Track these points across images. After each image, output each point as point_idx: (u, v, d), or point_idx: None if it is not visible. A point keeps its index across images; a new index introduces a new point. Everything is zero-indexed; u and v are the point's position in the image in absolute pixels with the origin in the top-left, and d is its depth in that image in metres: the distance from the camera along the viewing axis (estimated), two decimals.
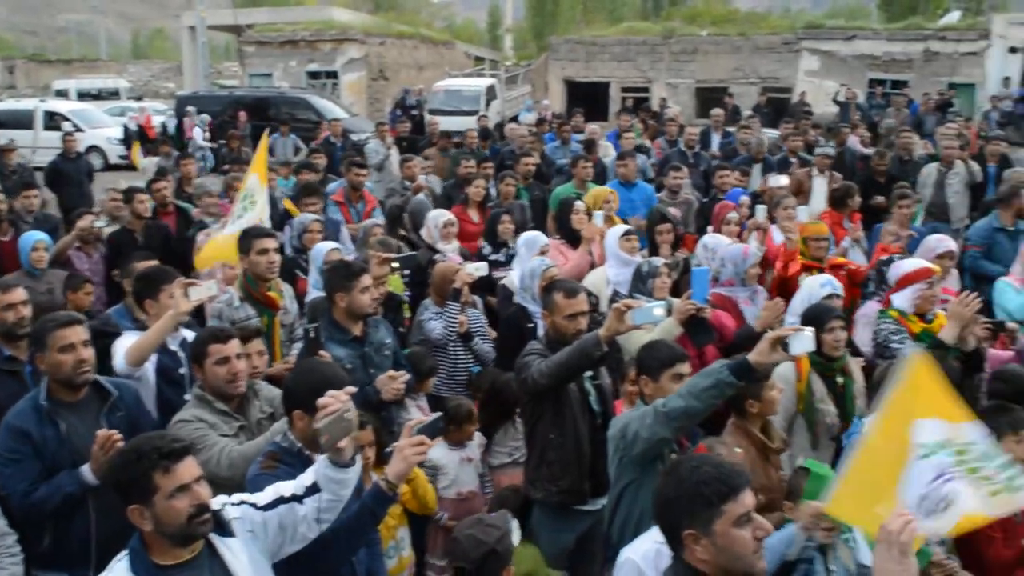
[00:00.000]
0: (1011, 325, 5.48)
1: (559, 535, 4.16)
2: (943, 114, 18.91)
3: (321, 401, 2.63)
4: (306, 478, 2.70)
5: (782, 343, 3.17)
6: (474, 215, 7.94)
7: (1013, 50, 24.27)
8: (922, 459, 2.79)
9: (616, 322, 3.71)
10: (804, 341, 3.24)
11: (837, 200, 7.71)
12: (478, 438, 4.84)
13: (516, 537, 3.08)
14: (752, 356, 3.19)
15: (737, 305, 5.46)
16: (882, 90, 22.91)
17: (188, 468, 2.48)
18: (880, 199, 8.51)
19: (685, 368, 3.69)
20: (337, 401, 2.62)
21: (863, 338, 5.27)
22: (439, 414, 3.21)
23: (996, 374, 4.48)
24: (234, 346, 3.67)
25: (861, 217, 7.81)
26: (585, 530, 4.20)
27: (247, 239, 5.01)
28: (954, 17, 27.86)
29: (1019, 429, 3.70)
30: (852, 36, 25.77)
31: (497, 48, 43.78)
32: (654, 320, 3.86)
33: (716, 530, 2.24)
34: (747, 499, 2.28)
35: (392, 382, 4.19)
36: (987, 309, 6.06)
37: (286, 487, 2.70)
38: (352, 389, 2.75)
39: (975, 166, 9.42)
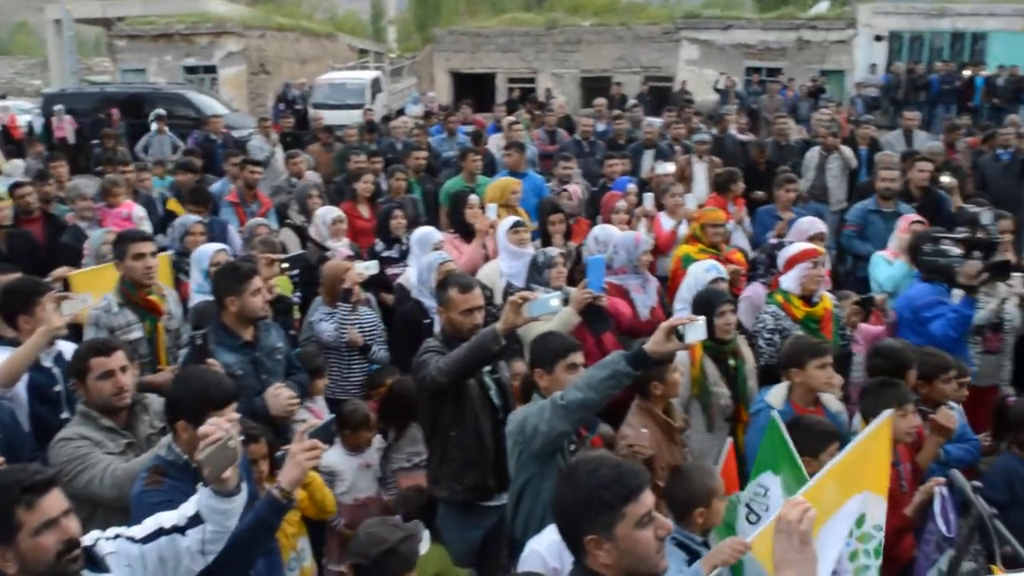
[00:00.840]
0: (879, 298, 5.72)
1: (466, 533, 4.12)
2: (816, 100, 19.69)
3: (203, 430, 2.49)
4: (188, 508, 2.55)
5: (676, 332, 3.20)
6: (364, 211, 7.79)
7: (878, 38, 25.47)
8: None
9: (513, 315, 3.69)
10: (697, 329, 3.29)
11: (721, 185, 7.91)
12: (377, 442, 4.74)
13: (424, 545, 3.00)
14: (648, 346, 3.22)
15: (628, 293, 5.51)
16: (759, 77, 23.68)
17: (54, 501, 2.29)
18: (760, 193, 8.76)
19: (578, 358, 3.71)
20: (219, 429, 2.48)
21: (746, 321, 5.40)
22: (331, 417, 3.13)
23: (875, 350, 4.61)
24: (119, 358, 3.48)
25: (744, 202, 8.05)
26: (491, 526, 4.17)
27: (122, 243, 4.78)
28: (823, 7, 28.99)
29: (904, 404, 3.85)
30: (729, 26, 26.52)
31: (381, 40, 43.23)
32: (551, 311, 3.85)
33: (618, 533, 2.18)
34: (647, 499, 2.23)
35: (282, 398, 4.06)
36: (863, 286, 6.36)
37: (167, 517, 2.55)
38: (235, 416, 2.62)
39: (848, 151, 9.81)
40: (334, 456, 4.51)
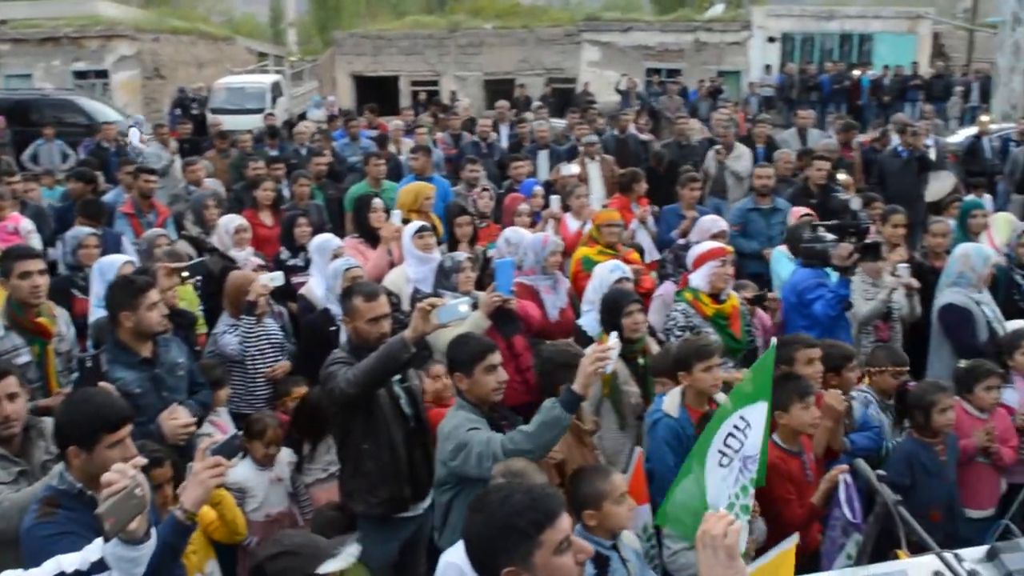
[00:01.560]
0: (771, 295, 5.92)
1: (383, 546, 4.02)
2: (715, 100, 20.20)
3: (106, 477, 2.33)
4: (91, 552, 2.39)
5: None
6: (266, 219, 7.61)
7: (771, 40, 26.31)
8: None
9: (422, 322, 3.65)
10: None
11: (624, 185, 8.00)
12: (287, 455, 4.61)
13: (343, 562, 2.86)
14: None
15: (539, 294, 5.52)
16: (659, 78, 24.16)
17: None
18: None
19: (496, 358, 3.68)
20: (124, 476, 2.31)
21: (657, 320, 5.48)
22: (235, 432, 3.03)
23: (780, 342, 4.73)
24: (7, 385, 3.30)
25: (648, 201, 8.17)
26: (409, 537, 4.11)
27: (7, 261, 4.53)
28: (718, 9, 29.79)
29: (805, 396, 3.96)
30: (628, 28, 26.99)
31: (281, 43, 42.37)
32: (460, 317, 3.83)
33: (536, 563, 2.08)
34: (564, 523, 2.14)
35: (176, 422, 3.92)
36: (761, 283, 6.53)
37: (68, 561, 2.39)
38: (141, 461, 2.48)
39: (743, 148, 10.09)
40: (243, 471, 4.38)
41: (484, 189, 7.77)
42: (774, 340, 3.65)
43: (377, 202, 6.73)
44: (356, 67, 28.45)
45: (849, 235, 5.44)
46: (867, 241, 5.44)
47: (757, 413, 3.30)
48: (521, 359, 4.96)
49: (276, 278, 5.47)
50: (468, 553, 2.22)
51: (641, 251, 6.97)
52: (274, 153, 11.13)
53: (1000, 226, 7.15)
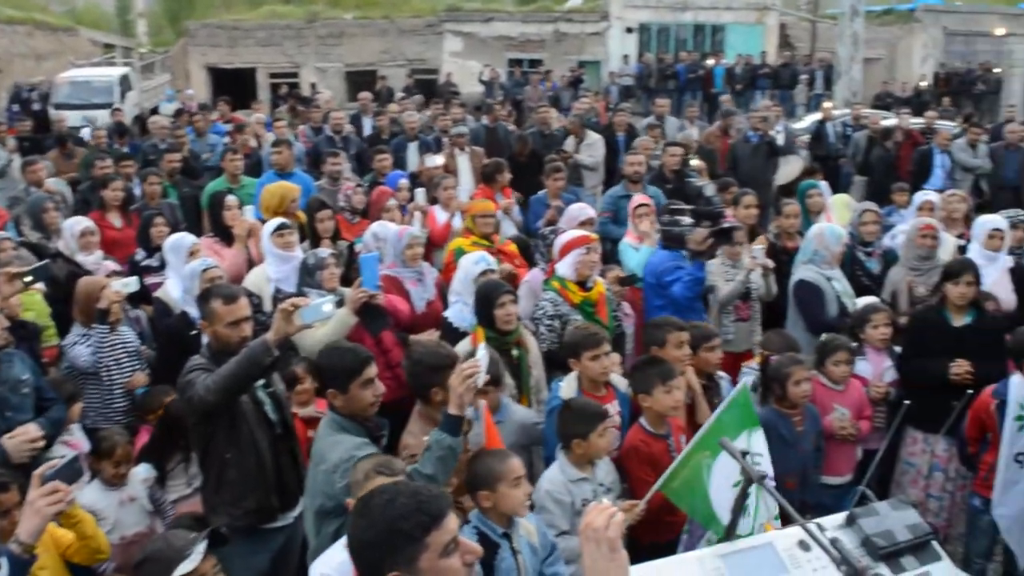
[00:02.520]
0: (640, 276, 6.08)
1: (252, 559, 3.85)
2: (576, 90, 20.52)
3: None
4: None
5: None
6: (116, 220, 7.21)
7: (629, 30, 26.96)
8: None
9: (285, 323, 3.50)
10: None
11: (488, 176, 8.01)
12: (142, 472, 4.34)
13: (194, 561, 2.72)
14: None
15: (403, 286, 5.46)
16: (521, 69, 24.32)
17: None
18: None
19: (372, 371, 3.51)
20: None
21: (526, 307, 5.47)
22: (73, 454, 2.82)
23: (647, 323, 4.85)
24: None
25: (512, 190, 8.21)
26: (279, 548, 3.96)
27: None
28: (578, 0, 30.26)
29: (668, 380, 4.05)
30: (490, 18, 27.07)
31: (129, 34, 40.32)
32: (325, 316, 3.71)
33: (423, 566, 2.03)
34: (451, 524, 2.09)
35: (19, 442, 3.65)
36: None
37: None
38: None
39: (595, 136, 10.32)
40: (91, 494, 4.08)
41: (359, 185, 7.61)
42: (745, 380, 3.66)
43: (231, 199, 6.47)
44: (211, 59, 27.41)
45: (705, 219, 5.62)
46: (721, 226, 5.62)
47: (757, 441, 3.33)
48: (391, 355, 4.88)
49: (130, 283, 5.18)
50: (353, 558, 2.15)
51: None
52: (123, 150, 10.59)
53: (838, 208, 7.56)
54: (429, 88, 23.30)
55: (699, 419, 4.43)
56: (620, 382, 4.48)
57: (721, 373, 4.90)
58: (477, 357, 3.29)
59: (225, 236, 6.28)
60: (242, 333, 3.79)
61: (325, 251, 5.33)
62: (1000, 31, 27.91)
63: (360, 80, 24.75)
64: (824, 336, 5.07)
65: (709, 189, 6.09)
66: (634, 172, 7.84)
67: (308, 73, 26.62)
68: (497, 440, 3.53)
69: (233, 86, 23.99)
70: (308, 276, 5.11)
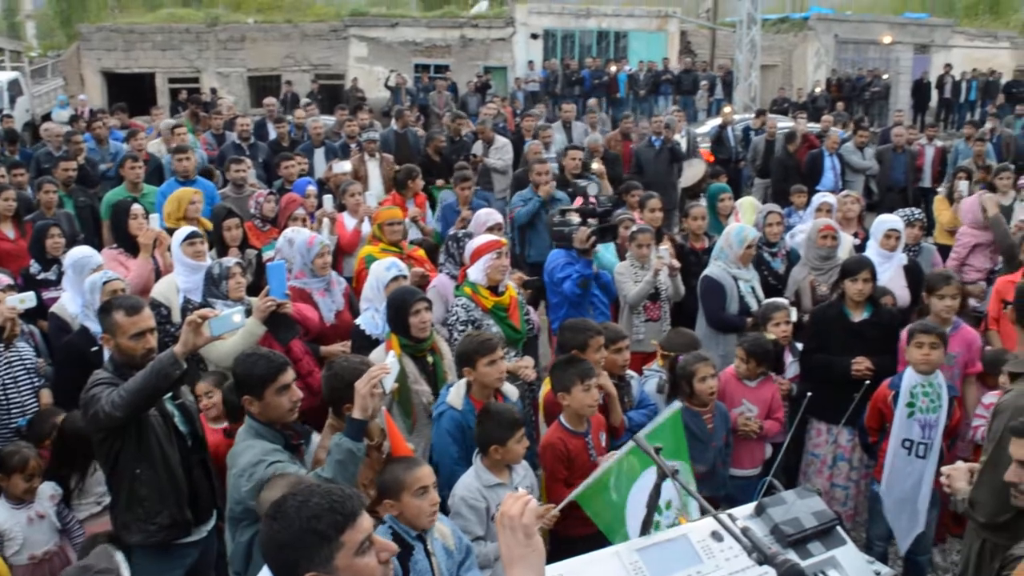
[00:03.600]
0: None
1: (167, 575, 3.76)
2: (483, 95, 20.57)
3: None
4: None
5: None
6: (8, 231, 6.90)
7: (534, 36, 27.17)
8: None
9: (192, 336, 3.41)
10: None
11: (399, 183, 7.98)
12: (48, 489, 4.18)
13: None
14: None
15: (311, 296, 5.38)
16: (427, 75, 24.26)
17: None
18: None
19: (288, 377, 3.46)
20: None
21: (435, 312, 5.45)
22: None
23: (563, 325, 4.91)
24: None
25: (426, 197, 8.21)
26: (194, 563, 3.86)
27: None
28: (483, 6, 30.34)
29: (586, 379, 4.10)
30: (395, 24, 26.88)
31: (18, 37, 38.68)
32: (234, 327, 3.63)
33: (338, 565, 2.02)
34: (365, 523, 2.09)
35: None
36: (535, 270, 6.74)
37: None
38: None
39: (502, 140, 10.41)
40: None
41: (271, 193, 7.46)
42: (677, 404, 3.71)
43: (137, 208, 6.27)
44: (106, 63, 26.43)
45: (591, 219, 5.73)
46: (602, 225, 5.76)
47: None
48: (300, 364, 4.78)
49: (27, 299, 4.94)
50: (267, 561, 2.13)
51: None
52: (15, 158, 10.13)
53: (746, 209, 7.79)
54: (335, 93, 23.04)
55: (612, 420, 4.51)
56: (511, 391, 4.48)
57: (631, 373, 4.99)
58: (386, 362, 3.27)
59: (130, 247, 6.06)
60: (147, 345, 3.68)
61: (231, 260, 5.20)
62: (887, 39, 29.22)
63: (264, 85, 24.29)
64: (750, 334, 5.20)
65: (592, 188, 6.19)
66: (544, 179, 7.94)
67: (209, 78, 25.94)
68: (404, 448, 3.51)
69: (130, 92, 23.19)
70: (213, 286, 4.99)
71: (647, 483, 3.19)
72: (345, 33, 26.58)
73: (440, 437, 4.20)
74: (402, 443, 3.52)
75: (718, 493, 4.65)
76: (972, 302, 6.79)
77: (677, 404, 3.65)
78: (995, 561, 3.37)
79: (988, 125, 14.14)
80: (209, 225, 6.54)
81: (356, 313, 5.38)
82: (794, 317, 5.25)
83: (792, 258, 6.63)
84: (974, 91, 25.66)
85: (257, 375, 3.40)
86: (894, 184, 11.42)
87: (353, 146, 10.56)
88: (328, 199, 7.18)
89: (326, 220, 7.01)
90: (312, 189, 7.72)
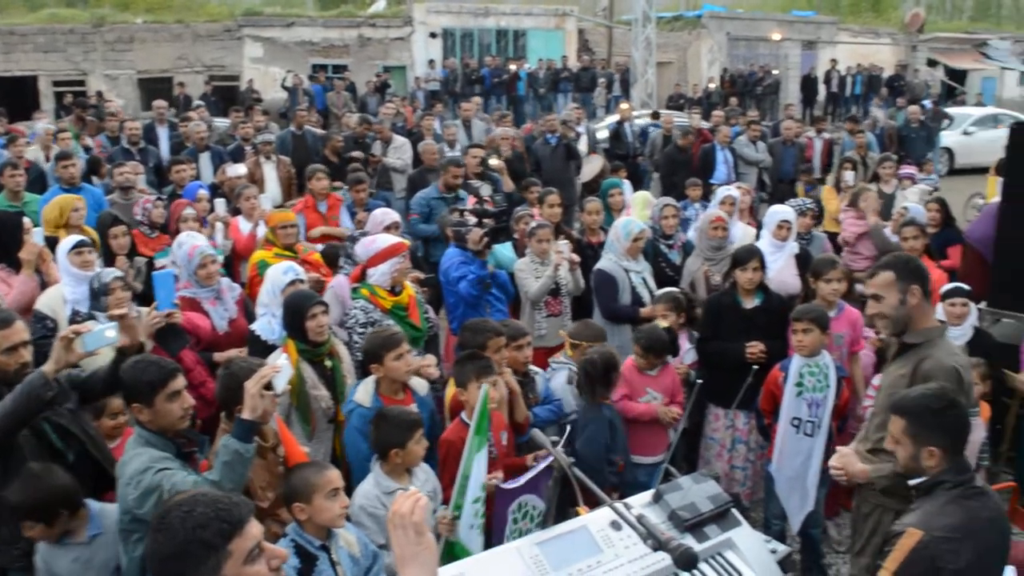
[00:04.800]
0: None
1: None
2: (382, 95, 20.40)
3: None
4: None
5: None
6: None
7: (433, 35, 27.08)
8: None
9: (65, 352, 3.26)
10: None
11: (304, 185, 7.85)
12: None
13: None
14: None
15: (201, 305, 5.22)
16: (325, 75, 23.90)
17: None
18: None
19: (179, 383, 3.34)
20: None
21: (333, 314, 5.36)
22: None
23: (464, 326, 4.90)
24: None
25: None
26: None
27: None
28: (381, 5, 30.06)
29: (483, 376, 4.10)
30: (291, 23, 26.40)
31: None
32: (108, 342, 3.50)
33: (227, 575, 1.99)
34: (253, 530, 2.05)
35: None
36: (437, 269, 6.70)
37: None
38: None
39: (401, 139, 10.37)
40: None
41: (158, 198, 7.21)
42: (484, 387, 3.71)
43: (26, 221, 5.92)
44: None
45: (486, 219, 5.75)
46: (497, 225, 5.81)
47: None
48: (192, 375, 4.62)
49: None
50: (153, 574, 2.06)
51: None
52: None
53: (638, 204, 7.94)
54: (230, 95, 22.48)
55: (517, 417, 4.53)
56: (420, 385, 4.48)
57: (535, 369, 5.01)
58: (277, 362, 3.20)
59: (12, 261, 5.72)
60: (20, 359, 3.50)
61: (110, 274, 4.93)
62: (777, 36, 30.23)
63: (155, 88, 23.49)
64: (646, 326, 5.27)
65: (485, 189, 6.25)
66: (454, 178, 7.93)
67: (96, 81, 24.97)
68: (299, 455, 3.45)
69: (12, 95, 22.14)
70: (95, 299, 4.79)
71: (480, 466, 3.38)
72: (239, 33, 25.95)
73: (351, 436, 4.17)
74: (297, 450, 3.46)
75: (627, 479, 4.74)
76: (859, 287, 7.06)
77: (485, 386, 3.70)
78: (879, 532, 3.51)
79: (869, 118, 14.76)
80: (94, 233, 6.28)
81: (252, 319, 5.24)
82: (664, 324, 5.32)
83: (687, 249, 6.78)
84: (859, 85, 26.78)
85: (147, 381, 3.28)
86: (783, 176, 11.80)
87: (248, 148, 10.32)
88: (220, 203, 7.00)
89: (219, 225, 6.82)
90: (203, 193, 7.50)
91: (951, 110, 21.53)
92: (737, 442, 5.38)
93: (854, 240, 7.85)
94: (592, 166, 11.37)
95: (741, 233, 6.92)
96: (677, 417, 4.97)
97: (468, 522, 3.51)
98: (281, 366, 3.20)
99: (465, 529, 3.50)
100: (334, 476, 3.30)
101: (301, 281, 5.08)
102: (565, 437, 3.53)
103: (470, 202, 6.02)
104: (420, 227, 7.88)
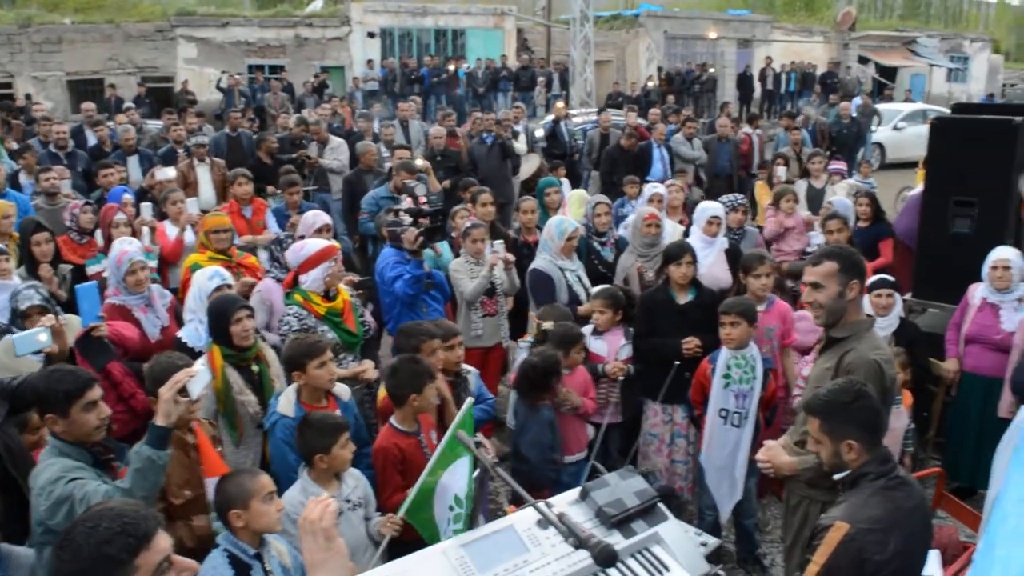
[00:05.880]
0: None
1: None
2: (321, 96, 20.19)
3: None
4: None
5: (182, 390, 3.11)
6: None
7: (371, 35, 26.87)
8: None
9: None
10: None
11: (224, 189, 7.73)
12: None
13: None
14: (159, 420, 3.09)
15: (132, 313, 5.11)
16: (262, 75, 23.58)
17: None
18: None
19: (95, 393, 3.28)
20: None
21: (261, 318, 5.27)
22: None
23: (399, 330, 4.89)
24: None
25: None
26: None
27: None
28: (318, 5, 29.75)
29: (426, 382, 4.08)
30: (226, 23, 25.96)
31: None
32: (41, 346, 3.41)
33: None
34: (161, 543, 2.05)
35: None
36: None
37: None
38: None
39: (337, 141, 10.30)
40: None
41: (87, 203, 7.03)
42: (470, 400, 3.68)
43: None
44: None
45: (421, 219, 5.73)
46: (432, 224, 5.78)
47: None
48: (122, 387, 4.52)
49: None
50: None
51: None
52: None
53: (573, 202, 7.97)
54: (165, 97, 22.04)
55: (447, 420, 4.50)
56: (343, 391, 4.43)
57: (468, 367, 5.00)
58: (194, 368, 3.15)
59: None
60: None
61: (30, 300, 4.69)
62: (713, 34, 30.65)
63: (86, 90, 22.93)
64: (560, 325, 5.29)
65: (420, 189, 6.23)
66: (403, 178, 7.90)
67: (24, 83, 24.27)
68: (220, 466, 3.40)
69: None
70: (13, 320, 4.65)
71: (456, 475, 3.28)
72: (172, 34, 25.44)
73: (276, 447, 4.09)
74: (218, 463, 3.39)
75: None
76: (788, 282, 7.19)
77: (470, 400, 3.67)
78: (808, 524, 3.57)
79: (802, 114, 15.04)
80: (17, 238, 6.11)
81: (181, 325, 5.15)
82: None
83: (621, 246, 6.83)
84: (793, 82, 27.27)
85: (62, 391, 3.21)
86: (719, 172, 11.97)
87: (181, 151, 10.12)
88: (146, 207, 6.85)
89: (146, 230, 6.67)
90: (128, 197, 7.33)
91: (881, 106, 22.04)
92: (676, 436, 5.43)
93: (775, 237, 8.00)
94: (529, 165, 11.41)
95: (670, 230, 6.99)
96: (586, 410, 5.02)
97: (442, 528, 3.45)
98: (197, 371, 3.14)
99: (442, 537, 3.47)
100: (267, 480, 3.26)
101: (228, 286, 5.00)
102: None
103: (406, 202, 5.99)
104: (369, 226, 7.84)
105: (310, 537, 2.03)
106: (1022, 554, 2.16)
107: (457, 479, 3.35)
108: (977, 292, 5.73)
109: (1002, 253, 5.60)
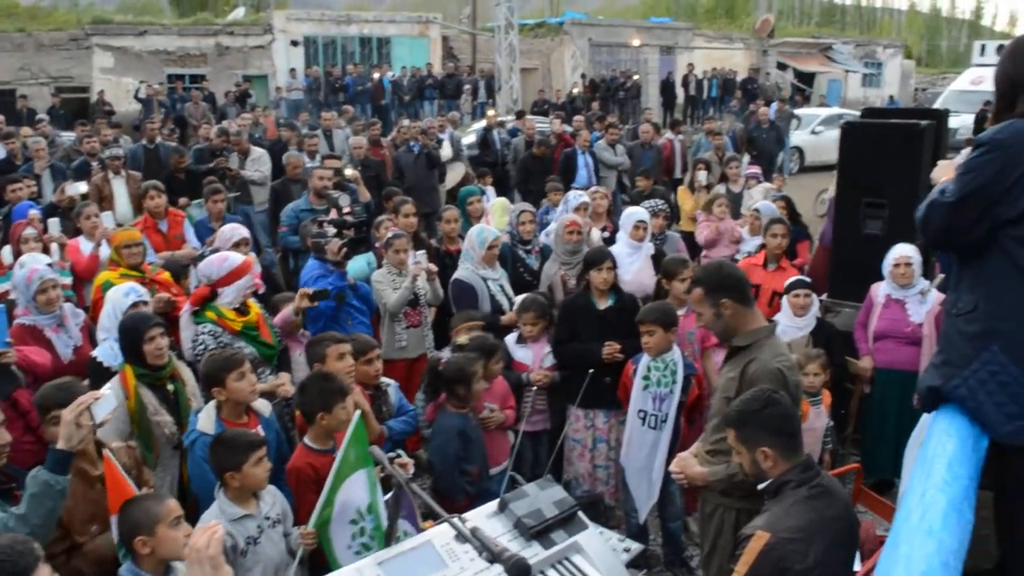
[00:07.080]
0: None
1: None
2: (243, 105, 19.86)
3: None
4: None
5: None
6: None
7: (295, 43, 26.54)
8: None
9: None
10: (106, 404, 3.12)
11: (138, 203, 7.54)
12: None
13: None
14: (61, 444, 2.97)
15: (44, 333, 4.93)
16: (182, 85, 23.07)
17: None
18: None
19: None
20: None
21: (185, 338, 5.15)
22: None
23: (308, 343, 4.81)
24: None
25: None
26: None
27: None
28: (240, 13, 29.30)
29: (346, 395, 4.03)
30: (144, 32, 25.36)
31: None
32: None
33: None
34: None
35: None
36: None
37: None
38: None
39: (259, 151, 10.15)
40: None
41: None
42: (358, 412, 3.62)
43: None
44: None
45: (344, 230, 5.70)
46: (356, 236, 5.76)
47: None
48: (30, 416, 4.33)
49: None
50: None
51: None
52: None
53: (496, 211, 7.98)
54: (80, 108, 21.41)
55: (370, 434, 4.43)
56: (263, 407, 4.34)
57: (387, 380, 4.94)
58: (100, 392, 3.05)
59: None
60: None
61: None
62: (637, 42, 31.07)
63: None
64: (475, 337, 5.26)
65: (344, 200, 6.18)
66: (322, 187, 7.79)
67: None
68: (129, 490, 3.29)
69: None
70: None
71: (354, 488, 3.30)
72: (87, 42, 24.73)
73: (195, 466, 3.97)
74: (126, 487, 3.28)
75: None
76: None
77: (358, 413, 3.63)
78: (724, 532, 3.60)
79: (723, 119, 15.35)
80: None
81: (95, 344, 4.98)
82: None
83: (545, 254, 6.84)
84: (715, 88, 27.82)
85: None
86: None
87: (95, 164, 9.83)
88: (54, 223, 6.62)
89: (54, 246, 6.45)
90: (34, 213, 7.08)
91: (800, 111, 22.61)
92: (598, 441, 5.44)
93: (707, 242, 8.12)
94: (455, 173, 11.40)
95: (594, 236, 7.05)
96: (502, 421, 5.01)
97: (345, 543, 3.45)
98: (103, 394, 3.04)
99: (342, 550, 3.46)
100: (174, 505, 3.18)
101: (144, 303, 4.86)
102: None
103: (332, 214, 5.91)
104: (289, 239, 7.72)
105: (196, 566, 2.01)
106: (924, 550, 2.21)
107: (356, 492, 3.32)
108: (880, 290, 5.90)
109: (903, 251, 5.78)
